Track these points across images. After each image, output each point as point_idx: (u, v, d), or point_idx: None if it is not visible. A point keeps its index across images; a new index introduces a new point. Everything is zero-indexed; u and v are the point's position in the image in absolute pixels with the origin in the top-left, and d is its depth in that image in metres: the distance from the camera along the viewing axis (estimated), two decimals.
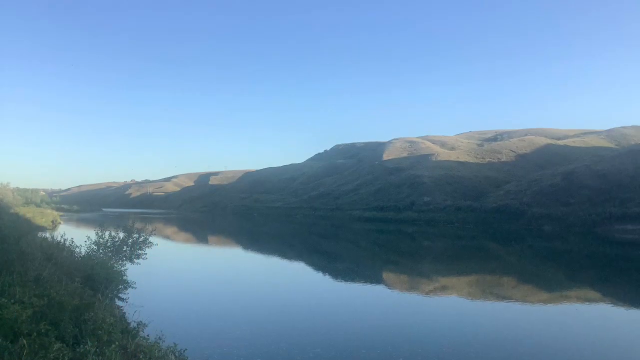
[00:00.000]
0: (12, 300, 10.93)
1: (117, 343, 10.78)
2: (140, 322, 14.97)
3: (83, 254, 25.40)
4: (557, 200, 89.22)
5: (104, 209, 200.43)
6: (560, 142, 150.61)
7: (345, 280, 37.16)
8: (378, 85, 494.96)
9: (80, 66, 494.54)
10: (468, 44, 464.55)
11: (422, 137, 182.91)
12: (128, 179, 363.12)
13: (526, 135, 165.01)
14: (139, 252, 26.61)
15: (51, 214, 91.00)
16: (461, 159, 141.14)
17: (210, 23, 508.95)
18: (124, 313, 19.98)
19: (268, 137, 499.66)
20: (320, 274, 41.96)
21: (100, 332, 11.23)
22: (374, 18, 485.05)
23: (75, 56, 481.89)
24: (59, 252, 24.70)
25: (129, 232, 27.39)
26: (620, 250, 59.24)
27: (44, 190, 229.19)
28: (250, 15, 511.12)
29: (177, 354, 13.35)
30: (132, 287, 22.44)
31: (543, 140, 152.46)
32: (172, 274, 38.13)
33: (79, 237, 29.48)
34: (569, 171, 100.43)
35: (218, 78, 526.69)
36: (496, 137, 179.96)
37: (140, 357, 11.08)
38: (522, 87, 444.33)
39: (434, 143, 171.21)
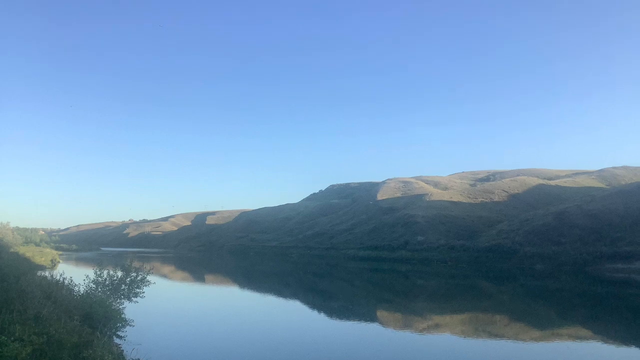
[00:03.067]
0: (12, 338, 11.45)
1: None
2: (138, 359, 15.42)
3: (82, 292, 25.92)
4: (548, 240, 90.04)
5: (102, 248, 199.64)
6: (552, 182, 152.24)
7: (340, 319, 37.59)
8: (372, 126, 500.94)
9: (79, 107, 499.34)
10: (461, 86, 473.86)
11: (415, 177, 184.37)
12: (126, 219, 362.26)
13: (518, 175, 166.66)
14: (137, 290, 27.02)
15: (50, 253, 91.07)
16: (454, 199, 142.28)
17: (208, 65, 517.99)
18: (122, 351, 20.43)
19: (264, 177, 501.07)
20: (316, 312, 42.31)
21: None
22: (368, 60, 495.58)
23: (74, 97, 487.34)
24: (58, 290, 25.25)
25: (127, 270, 27.89)
26: (611, 288, 59.76)
27: (43, 229, 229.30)
28: (246, 58, 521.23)
29: None
30: (130, 325, 22.90)
31: (535, 181, 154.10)
32: (169, 312, 38.38)
33: (77, 276, 29.97)
34: (560, 211, 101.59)
35: (215, 119, 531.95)
36: (489, 177, 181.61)
37: None
38: (514, 128, 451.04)
39: (427, 183, 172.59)
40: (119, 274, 27.80)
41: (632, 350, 28.19)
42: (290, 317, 38.59)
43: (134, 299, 26.89)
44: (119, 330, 22.66)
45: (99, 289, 26.40)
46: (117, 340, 22.21)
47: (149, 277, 28.77)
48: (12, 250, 58.53)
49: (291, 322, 36.25)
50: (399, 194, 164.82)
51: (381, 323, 36.22)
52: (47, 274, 33.92)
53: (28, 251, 68.33)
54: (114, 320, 22.27)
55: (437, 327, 34.53)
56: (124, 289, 26.87)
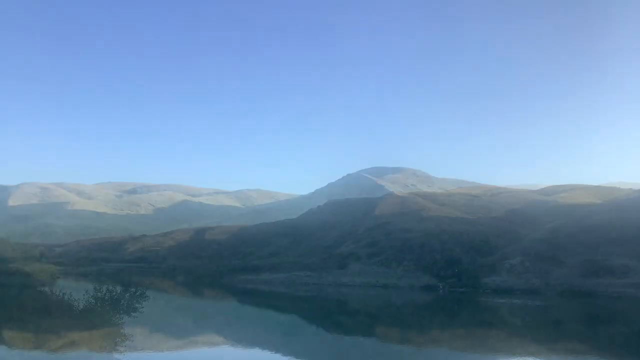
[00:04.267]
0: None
1: None
2: None
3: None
4: (190, 254, 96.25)
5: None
6: (195, 199, 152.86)
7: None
8: None
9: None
10: None
11: (56, 184, 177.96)
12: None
13: (166, 190, 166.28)
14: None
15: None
16: (99, 210, 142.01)
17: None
18: None
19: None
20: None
21: None
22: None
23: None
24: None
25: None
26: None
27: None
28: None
29: None
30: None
31: (181, 196, 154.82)
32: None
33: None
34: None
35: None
36: (135, 189, 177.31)
37: None
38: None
39: (70, 191, 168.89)
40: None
41: None
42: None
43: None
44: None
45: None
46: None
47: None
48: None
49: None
50: (35, 201, 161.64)
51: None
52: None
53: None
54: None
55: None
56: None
